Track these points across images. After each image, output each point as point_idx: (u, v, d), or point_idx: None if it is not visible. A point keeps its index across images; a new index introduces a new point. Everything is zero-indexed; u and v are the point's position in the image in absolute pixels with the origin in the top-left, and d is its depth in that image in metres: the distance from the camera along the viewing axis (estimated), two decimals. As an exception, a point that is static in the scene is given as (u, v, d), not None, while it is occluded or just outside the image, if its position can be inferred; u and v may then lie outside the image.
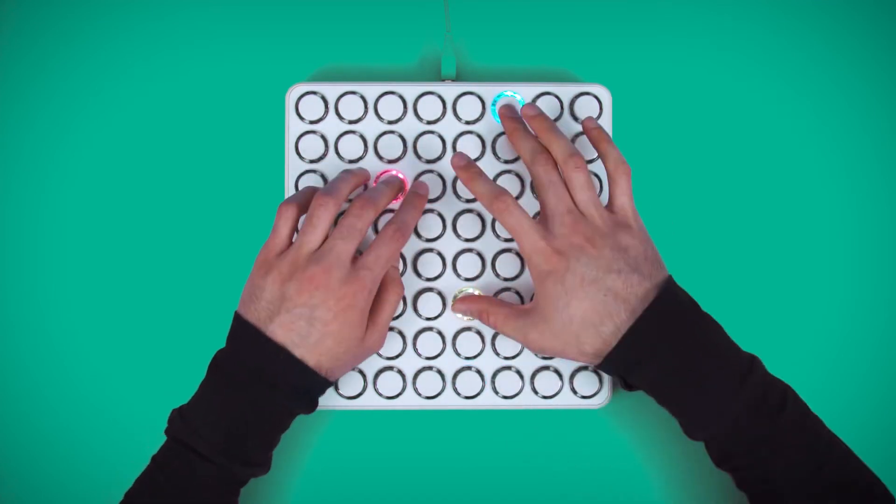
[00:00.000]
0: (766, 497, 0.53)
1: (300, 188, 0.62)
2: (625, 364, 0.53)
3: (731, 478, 0.55)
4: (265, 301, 0.54)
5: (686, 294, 0.54)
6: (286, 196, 0.63)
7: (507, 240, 0.63)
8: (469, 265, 0.63)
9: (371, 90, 0.63)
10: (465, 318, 0.63)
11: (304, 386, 0.54)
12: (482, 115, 0.63)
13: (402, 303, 0.63)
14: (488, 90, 0.64)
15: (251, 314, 0.54)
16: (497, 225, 0.63)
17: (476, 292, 0.62)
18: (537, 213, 0.63)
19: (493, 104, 0.63)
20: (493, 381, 0.63)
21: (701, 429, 0.53)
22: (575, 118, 0.63)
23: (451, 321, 0.63)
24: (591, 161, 0.63)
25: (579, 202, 0.55)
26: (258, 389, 0.53)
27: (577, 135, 0.63)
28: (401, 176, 0.62)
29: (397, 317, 0.63)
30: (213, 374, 0.55)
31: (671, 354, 0.52)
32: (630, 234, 0.54)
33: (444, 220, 0.63)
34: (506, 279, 0.63)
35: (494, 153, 0.64)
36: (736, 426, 0.52)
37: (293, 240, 0.56)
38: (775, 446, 0.52)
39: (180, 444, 0.54)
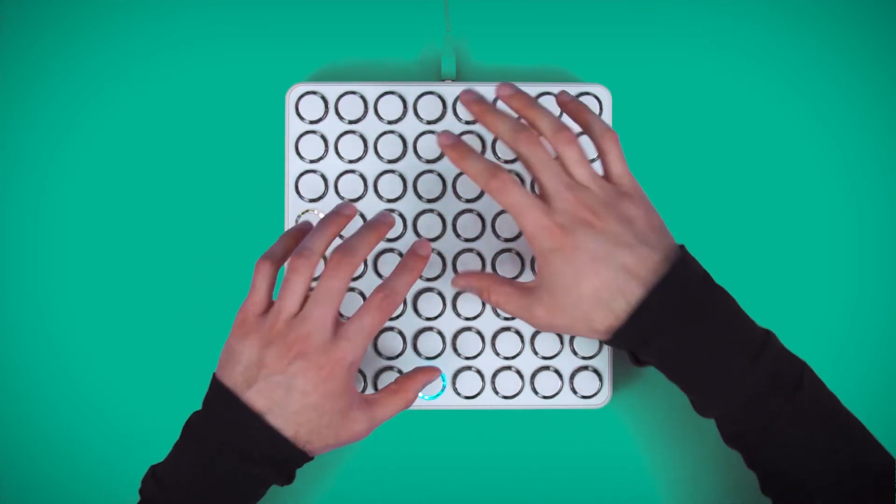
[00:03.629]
0: (777, 478, 0.52)
1: (296, 222, 0.62)
2: (636, 340, 0.51)
3: (741, 456, 0.53)
4: (243, 365, 0.52)
5: (698, 265, 0.53)
6: (285, 195, 0.63)
7: (507, 240, 0.63)
8: (469, 265, 0.63)
9: (371, 90, 0.63)
10: (465, 317, 0.63)
11: (279, 457, 0.52)
12: (482, 115, 0.64)
13: (402, 303, 0.63)
14: (488, 90, 0.63)
15: (228, 378, 0.52)
16: (497, 225, 0.63)
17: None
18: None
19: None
20: (493, 381, 0.63)
21: (712, 406, 0.52)
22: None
23: (452, 321, 0.63)
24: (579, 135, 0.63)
25: (576, 176, 0.52)
26: (231, 458, 0.51)
27: (577, 135, 0.63)
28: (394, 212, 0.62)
29: (397, 317, 0.63)
30: (187, 437, 0.53)
31: (682, 330, 0.50)
32: (633, 203, 0.52)
33: (444, 220, 0.63)
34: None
35: (495, 153, 0.64)
36: (748, 404, 0.50)
37: (272, 298, 0.54)
38: (789, 425, 0.50)
39: None
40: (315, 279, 0.57)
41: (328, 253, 0.59)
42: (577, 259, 0.50)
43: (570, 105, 0.55)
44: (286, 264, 0.54)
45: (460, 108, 0.63)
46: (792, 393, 0.51)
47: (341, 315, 0.62)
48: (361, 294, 0.63)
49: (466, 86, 0.63)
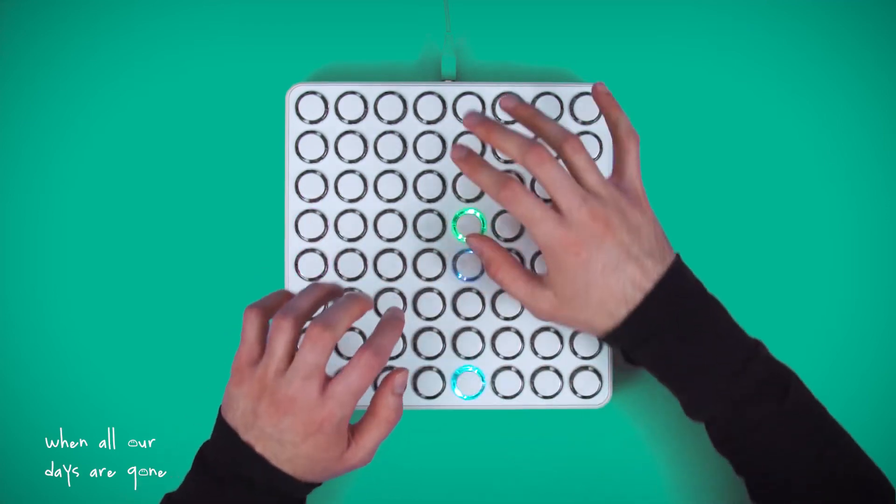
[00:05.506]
0: (763, 482, 0.53)
1: (301, 270, 0.62)
2: (631, 341, 0.53)
3: (729, 462, 0.55)
4: (240, 412, 0.52)
5: (692, 275, 0.54)
6: (285, 195, 0.63)
7: (507, 239, 0.63)
8: (469, 265, 0.63)
9: (371, 90, 0.63)
10: (465, 317, 0.63)
11: (285, 490, 0.53)
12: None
13: (402, 303, 0.63)
14: (488, 90, 0.64)
15: (231, 419, 0.53)
16: (497, 224, 0.63)
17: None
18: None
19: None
20: (493, 381, 0.63)
21: (701, 410, 0.53)
22: (575, 118, 0.63)
23: (452, 321, 0.63)
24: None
25: (586, 182, 0.53)
26: (240, 489, 0.52)
27: (578, 135, 0.63)
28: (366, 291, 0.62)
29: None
30: (199, 466, 0.54)
31: (674, 335, 0.52)
32: (640, 211, 0.54)
33: (443, 220, 0.63)
34: (506, 279, 0.63)
35: (494, 153, 0.64)
36: (736, 409, 0.52)
37: (264, 346, 0.53)
38: (775, 432, 0.52)
39: None
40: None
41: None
42: (590, 268, 0.52)
43: (603, 98, 0.56)
44: (271, 321, 0.53)
45: (460, 108, 0.63)
46: (779, 399, 0.52)
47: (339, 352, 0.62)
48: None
49: (466, 86, 0.63)
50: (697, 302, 0.53)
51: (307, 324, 0.52)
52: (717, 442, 0.54)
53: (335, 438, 0.52)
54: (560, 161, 0.54)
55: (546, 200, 0.54)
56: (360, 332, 0.63)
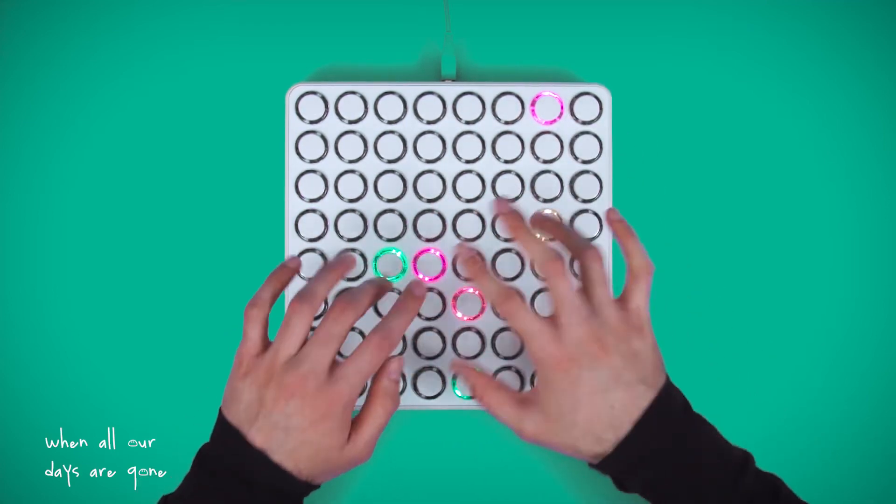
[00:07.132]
0: None
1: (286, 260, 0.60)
2: (620, 469, 0.53)
3: None
4: (244, 404, 0.52)
5: (679, 395, 0.54)
6: (285, 195, 0.63)
7: (506, 240, 0.63)
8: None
9: (371, 90, 0.63)
10: (465, 317, 0.63)
11: (285, 489, 0.53)
12: (482, 115, 0.63)
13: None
14: (488, 90, 0.64)
15: (233, 416, 0.53)
16: (497, 224, 0.63)
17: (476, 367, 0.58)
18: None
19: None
20: (493, 381, 0.63)
21: None
22: (575, 118, 0.63)
23: (451, 321, 0.63)
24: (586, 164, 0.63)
25: (593, 297, 0.53)
26: (240, 490, 0.52)
27: (578, 134, 0.63)
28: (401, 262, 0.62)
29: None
30: (198, 468, 0.54)
31: (665, 461, 0.52)
32: (641, 339, 0.54)
33: (444, 220, 0.63)
34: (505, 279, 0.63)
35: (494, 153, 0.64)
36: None
37: (268, 340, 0.54)
38: None
39: None
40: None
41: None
42: (578, 390, 0.52)
43: (617, 225, 0.57)
44: (287, 305, 0.54)
45: (460, 108, 0.63)
46: None
47: (340, 354, 0.62)
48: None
49: (466, 86, 0.63)
50: (686, 424, 0.53)
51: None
52: None
53: (339, 425, 0.53)
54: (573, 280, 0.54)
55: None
56: (360, 333, 0.63)
